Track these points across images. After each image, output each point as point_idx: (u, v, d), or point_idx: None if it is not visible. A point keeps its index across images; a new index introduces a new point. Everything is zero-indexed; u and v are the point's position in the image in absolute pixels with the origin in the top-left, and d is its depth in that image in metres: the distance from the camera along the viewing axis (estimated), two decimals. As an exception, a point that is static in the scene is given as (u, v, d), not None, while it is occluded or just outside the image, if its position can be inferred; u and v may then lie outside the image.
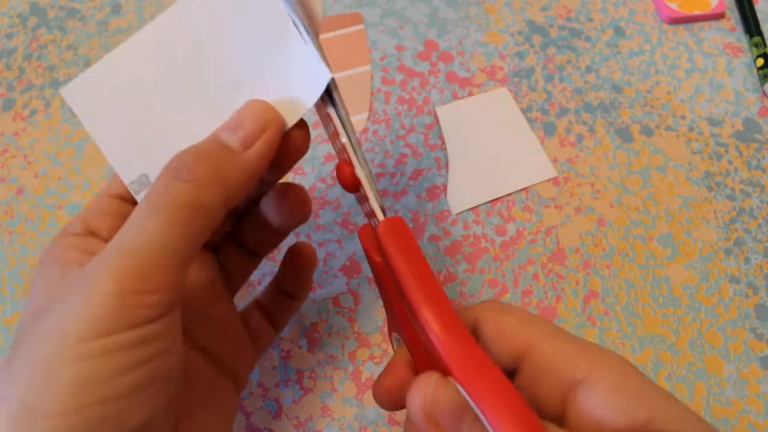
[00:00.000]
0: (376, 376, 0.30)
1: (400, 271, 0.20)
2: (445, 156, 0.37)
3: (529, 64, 0.40)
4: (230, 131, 0.21)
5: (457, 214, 0.35)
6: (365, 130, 0.38)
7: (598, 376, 0.18)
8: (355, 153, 0.22)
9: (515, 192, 0.36)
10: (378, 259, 0.22)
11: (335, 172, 0.23)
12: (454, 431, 0.17)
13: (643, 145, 0.37)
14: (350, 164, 0.22)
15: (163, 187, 0.19)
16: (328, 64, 0.21)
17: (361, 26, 0.42)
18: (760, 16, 0.42)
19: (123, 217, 0.22)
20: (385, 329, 0.31)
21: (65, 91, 0.22)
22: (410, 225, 0.34)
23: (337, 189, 0.36)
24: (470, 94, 0.39)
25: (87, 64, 0.41)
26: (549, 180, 0.36)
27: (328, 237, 0.34)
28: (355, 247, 0.34)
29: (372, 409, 0.30)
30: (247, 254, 0.27)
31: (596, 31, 0.42)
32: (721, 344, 0.31)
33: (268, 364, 0.31)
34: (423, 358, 0.21)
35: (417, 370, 0.22)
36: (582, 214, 0.35)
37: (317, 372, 0.30)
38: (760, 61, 0.40)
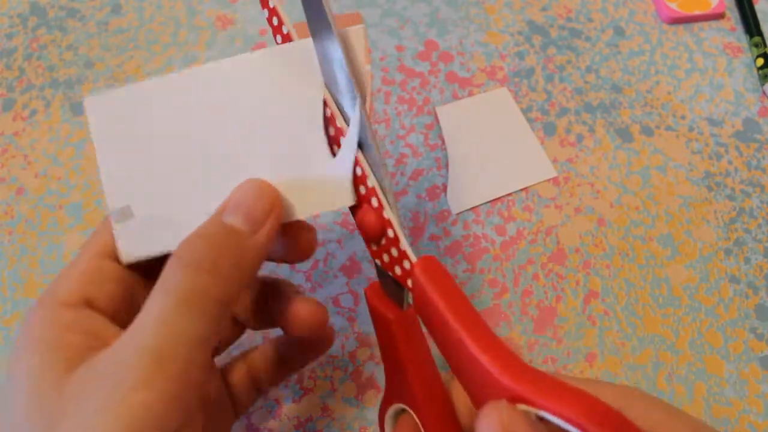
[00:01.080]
0: (376, 376, 0.30)
1: (446, 313, 0.18)
2: (445, 156, 0.37)
3: (529, 64, 0.40)
4: (233, 213, 0.20)
5: (457, 214, 0.35)
6: (365, 130, 0.38)
7: (627, 410, 0.17)
8: (385, 196, 0.21)
9: (515, 192, 0.36)
10: (392, 315, 0.21)
11: (354, 219, 0.22)
12: None
13: (643, 145, 0.37)
14: (375, 209, 0.21)
15: (188, 281, 0.18)
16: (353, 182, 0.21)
17: (361, 26, 0.42)
18: (760, 16, 0.42)
19: (123, 285, 0.21)
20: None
21: (89, 101, 0.22)
22: (410, 225, 0.35)
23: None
24: (470, 94, 0.39)
25: (87, 64, 0.41)
26: (549, 180, 0.36)
27: (329, 237, 0.34)
28: (355, 247, 0.34)
29: (372, 409, 0.30)
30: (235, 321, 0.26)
31: (596, 31, 0.42)
32: (721, 344, 0.31)
33: (268, 364, 0.31)
34: (448, 416, 0.20)
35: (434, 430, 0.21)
36: (582, 214, 0.35)
37: (317, 372, 0.30)
38: (760, 61, 0.40)
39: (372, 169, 0.21)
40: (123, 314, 0.21)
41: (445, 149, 0.37)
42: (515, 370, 0.17)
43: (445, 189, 0.36)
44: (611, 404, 0.17)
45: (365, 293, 0.22)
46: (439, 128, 0.38)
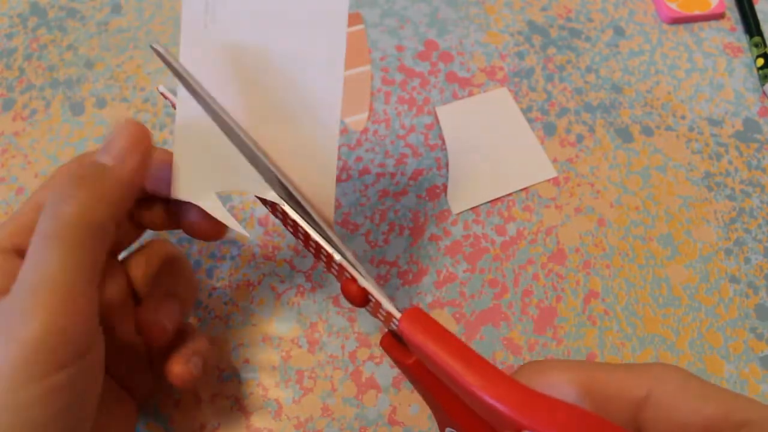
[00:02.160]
0: (376, 376, 0.30)
1: (437, 355, 0.19)
2: (445, 156, 0.37)
3: (529, 64, 0.40)
4: (103, 152, 0.22)
5: (458, 213, 0.35)
6: (365, 130, 0.38)
7: (660, 388, 0.18)
8: (354, 267, 0.22)
9: (515, 192, 0.36)
10: (409, 361, 0.22)
11: (341, 292, 0.23)
12: None
13: (643, 145, 0.37)
14: (353, 279, 0.22)
15: (54, 215, 0.20)
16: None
17: (361, 26, 0.42)
18: (760, 16, 0.42)
19: None
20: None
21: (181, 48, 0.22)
22: (410, 225, 0.35)
23: (339, 189, 0.36)
24: (470, 94, 0.39)
25: (87, 64, 0.41)
26: (549, 180, 0.36)
27: (328, 237, 0.34)
28: (354, 246, 0.34)
29: (372, 409, 0.30)
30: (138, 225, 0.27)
31: (596, 31, 0.42)
32: (721, 344, 0.31)
33: (268, 364, 0.31)
34: None
35: None
36: (582, 214, 0.35)
37: (317, 372, 0.31)
38: (760, 61, 0.40)
39: (335, 248, 0.22)
40: None
41: (445, 149, 0.37)
42: (512, 397, 0.18)
43: (445, 189, 0.36)
44: (643, 387, 0.18)
45: (381, 346, 0.23)
46: (439, 128, 0.38)
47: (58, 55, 0.42)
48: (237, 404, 0.30)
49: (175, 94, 0.23)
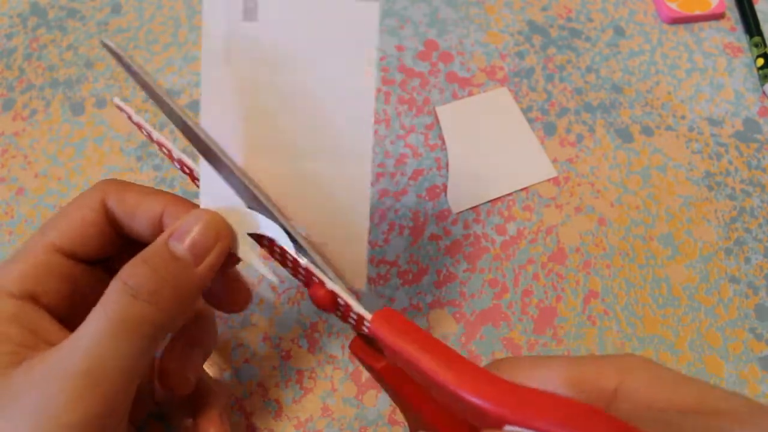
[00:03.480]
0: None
1: (414, 357, 0.19)
2: (445, 156, 0.37)
3: (529, 64, 0.40)
4: (180, 240, 0.20)
5: (458, 213, 0.35)
6: (365, 130, 0.38)
7: (631, 380, 0.18)
8: (321, 270, 0.21)
9: (515, 192, 0.36)
10: (379, 365, 0.21)
11: (310, 299, 0.22)
12: None
13: (643, 145, 0.37)
14: (321, 284, 0.21)
15: (127, 308, 0.19)
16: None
17: (361, 26, 0.42)
18: (760, 16, 0.42)
19: (69, 282, 0.21)
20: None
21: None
22: (410, 225, 0.35)
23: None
24: (470, 94, 0.39)
25: (87, 64, 0.41)
26: (549, 180, 0.36)
27: (328, 237, 0.34)
28: (355, 247, 0.34)
29: (372, 409, 0.30)
30: None
31: (596, 31, 0.42)
32: (720, 344, 0.31)
33: (268, 364, 0.31)
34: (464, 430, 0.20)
35: None
36: (582, 213, 0.35)
37: (317, 372, 0.31)
38: (760, 61, 0.40)
39: (302, 252, 0.21)
40: (66, 311, 0.21)
41: (445, 149, 0.37)
42: (493, 392, 0.17)
43: (445, 189, 0.36)
44: (613, 379, 0.18)
45: (351, 349, 0.23)
46: (439, 128, 0.38)
47: (58, 55, 0.42)
48: (237, 404, 0.30)
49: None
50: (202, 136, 0.21)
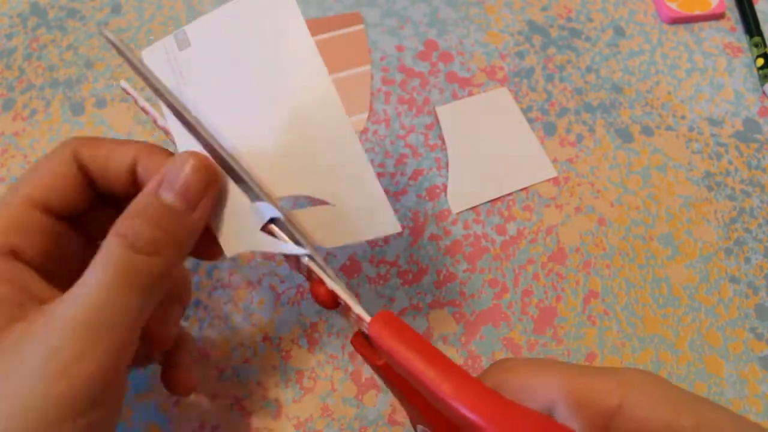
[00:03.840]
0: (375, 376, 0.30)
1: (404, 359, 0.19)
2: (445, 156, 0.37)
3: (529, 64, 0.40)
4: (169, 189, 0.20)
5: (458, 213, 0.35)
6: (365, 130, 0.38)
7: (632, 397, 0.18)
8: (322, 269, 0.21)
9: (515, 192, 0.36)
10: (379, 362, 0.22)
11: (310, 294, 0.23)
12: None
13: (643, 145, 0.37)
14: (322, 282, 0.21)
15: (127, 260, 0.19)
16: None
17: (361, 26, 0.42)
18: (760, 16, 0.42)
19: (51, 238, 0.21)
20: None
21: (146, 53, 0.22)
22: (410, 224, 0.35)
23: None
24: (470, 94, 0.39)
25: (87, 64, 0.41)
26: (549, 180, 0.36)
27: (328, 237, 0.34)
28: (354, 246, 0.34)
29: (372, 409, 0.30)
30: None
31: (596, 31, 0.42)
32: (720, 344, 0.31)
33: (268, 364, 0.31)
34: None
35: None
36: (582, 213, 0.35)
37: (317, 372, 0.30)
38: (760, 61, 0.40)
39: (302, 247, 0.22)
40: (50, 268, 0.21)
41: (445, 149, 0.37)
42: (486, 409, 0.18)
43: (445, 189, 0.36)
44: (615, 395, 0.18)
45: (352, 344, 0.23)
46: (439, 128, 0.38)
47: (58, 55, 0.42)
48: (237, 404, 0.30)
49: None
50: (198, 127, 0.22)
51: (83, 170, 0.22)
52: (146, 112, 0.24)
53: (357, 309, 0.21)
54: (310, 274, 0.22)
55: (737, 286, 0.33)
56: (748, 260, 0.33)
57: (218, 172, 0.21)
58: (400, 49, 0.41)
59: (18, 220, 0.20)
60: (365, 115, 0.38)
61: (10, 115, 0.39)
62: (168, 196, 0.20)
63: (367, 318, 0.20)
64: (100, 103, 0.39)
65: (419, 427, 0.24)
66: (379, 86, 0.40)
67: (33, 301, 0.19)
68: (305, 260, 0.21)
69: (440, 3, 0.43)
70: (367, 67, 0.40)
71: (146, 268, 0.19)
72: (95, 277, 0.19)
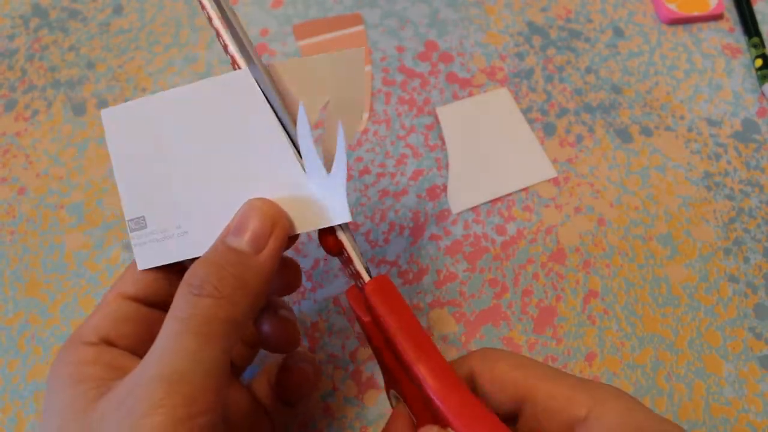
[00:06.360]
0: (376, 376, 0.30)
1: (390, 329, 0.20)
2: (446, 156, 0.37)
3: (528, 64, 0.41)
4: (236, 235, 0.20)
5: (458, 213, 0.35)
6: (365, 131, 0.38)
7: (600, 412, 0.18)
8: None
9: (515, 192, 0.36)
10: (366, 319, 0.22)
11: (317, 236, 0.23)
12: None
13: (642, 146, 0.37)
14: (332, 229, 0.22)
15: (193, 306, 0.19)
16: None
17: (361, 27, 0.42)
18: (758, 16, 0.42)
19: (145, 324, 0.22)
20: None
21: (106, 113, 0.23)
22: (410, 225, 0.35)
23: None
24: (470, 95, 0.39)
25: (89, 64, 0.41)
26: (549, 180, 0.36)
27: (329, 237, 0.34)
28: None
29: (373, 408, 0.30)
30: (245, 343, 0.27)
31: (596, 32, 0.42)
32: (720, 343, 0.31)
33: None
34: (422, 411, 0.21)
35: (417, 424, 0.22)
36: (582, 213, 0.35)
37: (318, 371, 0.31)
38: (759, 62, 0.40)
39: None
40: (143, 348, 0.21)
41: (445, 149, 0.37)
42: (453, 400, 0.19)
43: (445, 189, 0.36)
44: (584, 407, 0.18)
45: (346, 295, 0.24)
46: (439, 128, 0.38)
47: (60, 55, 0.42)
48: (238, 403, 0.30)
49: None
50: (247, 44, 0.22)
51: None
52: (203, 7, 0.23)
53: (358, 266, 0.22)
54: None
55: (736, 285, 0.33)
56: (747, 260, 0.33)
57: (283, 214, 0.21)
58: (400, 49, 0.41)
59: (112, 314, 0.22)
60: (365, 116, 0.38)
61: (12, 116, 0.39)
62: (233, 240, 0.20)
63: (366, 277, 0.21)
64: (102, 104, 0.40)
65: (392, 392, 0.24)
66: (379, 87, 0.40)
67: (124, 376, 0.20)
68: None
69: (440, 4, 0.43)
70: (368, 68, 0.41)
71: (212, 312, 0.19)
72: (163, 330, 0.19)
